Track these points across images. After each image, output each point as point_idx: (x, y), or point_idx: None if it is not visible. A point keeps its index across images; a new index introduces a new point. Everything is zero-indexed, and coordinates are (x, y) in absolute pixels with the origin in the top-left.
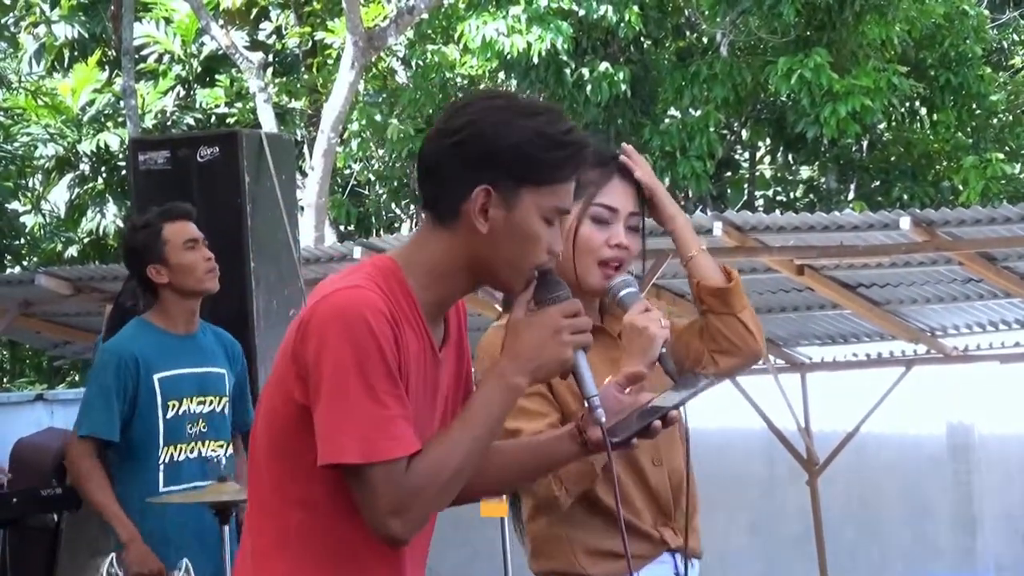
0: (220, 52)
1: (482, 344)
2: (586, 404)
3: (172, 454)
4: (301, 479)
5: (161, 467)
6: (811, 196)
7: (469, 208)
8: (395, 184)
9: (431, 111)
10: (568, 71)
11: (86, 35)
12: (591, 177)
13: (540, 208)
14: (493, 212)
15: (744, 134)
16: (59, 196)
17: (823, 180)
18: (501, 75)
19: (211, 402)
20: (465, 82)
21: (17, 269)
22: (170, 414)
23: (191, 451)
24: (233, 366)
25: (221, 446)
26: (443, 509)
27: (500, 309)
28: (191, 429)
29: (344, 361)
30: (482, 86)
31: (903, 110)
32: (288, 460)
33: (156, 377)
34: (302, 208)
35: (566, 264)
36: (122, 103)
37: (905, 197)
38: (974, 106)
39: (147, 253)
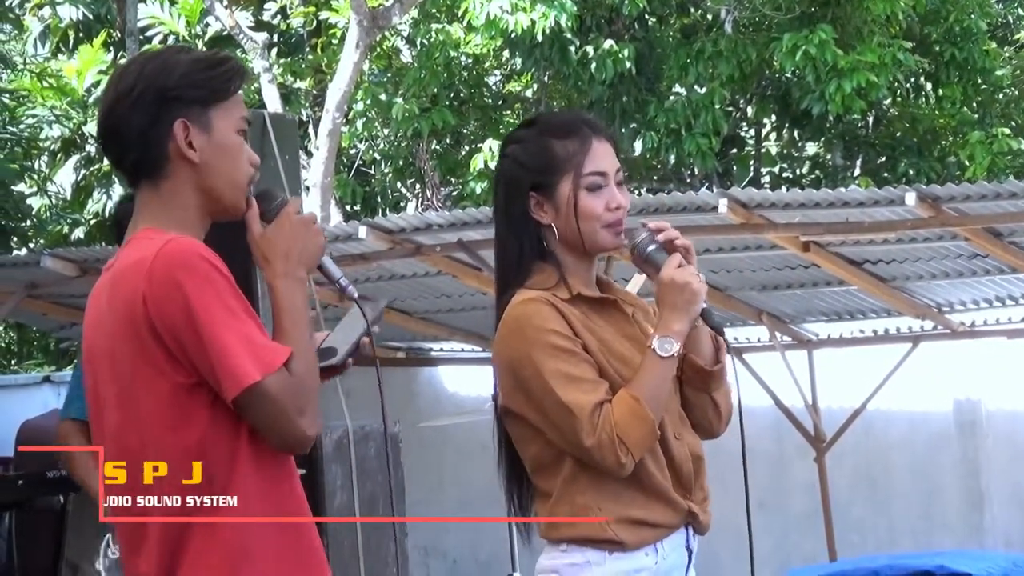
0: (224, 33)
1: (516, 318)
2: (337, 286)
3: None
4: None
5: None
6: (817, 172)
7: (177, 145)
8: (400, 163)
9: (436, 90)
10: (572, 49)
11: (91, 17)
12: (572, 148)
13: (231, 122)
14: (197, 141)
15: (749, 111)
16: (65, 178)
17: (829, 156)
18: (505, 53)
19: None
20: (469, 60)
21: (23, 251)
22: None
23: None
24: None
25: None
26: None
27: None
28: None
29: (206, 297)
30: (487, 64)
31: (908, 86)
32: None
33: None
34: (307, 188)
35: (571, 233)
36: None
37: (911, 173)
38: (979, 81)
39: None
